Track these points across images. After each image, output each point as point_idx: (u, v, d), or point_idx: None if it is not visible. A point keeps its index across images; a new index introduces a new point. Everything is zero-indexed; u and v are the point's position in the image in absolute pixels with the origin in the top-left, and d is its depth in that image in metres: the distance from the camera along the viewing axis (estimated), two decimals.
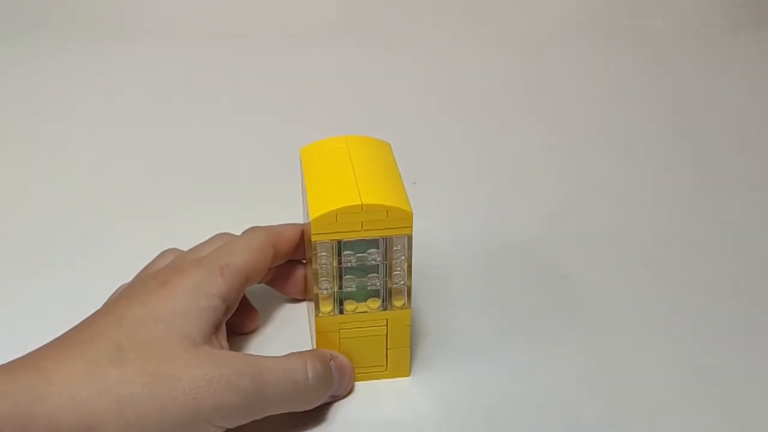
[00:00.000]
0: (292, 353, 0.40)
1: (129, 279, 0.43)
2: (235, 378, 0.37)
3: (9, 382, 0.34)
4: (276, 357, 0.39)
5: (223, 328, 0.40)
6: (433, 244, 0.51)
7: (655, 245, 0.54)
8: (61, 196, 0.59)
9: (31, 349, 0.37)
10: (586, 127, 0.69)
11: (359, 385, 0.42)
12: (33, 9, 0.83)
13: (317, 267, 0.39)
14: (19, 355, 0.36)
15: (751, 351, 0.45)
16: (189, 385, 0.36)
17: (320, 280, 0.40)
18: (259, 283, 0.45)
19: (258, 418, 0.38)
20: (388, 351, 0.42)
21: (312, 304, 0.42)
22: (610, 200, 0.59)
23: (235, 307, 0.42)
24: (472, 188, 0.59)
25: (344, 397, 0.42)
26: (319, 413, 0.41)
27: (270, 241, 0.43)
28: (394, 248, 0.39)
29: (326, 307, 0.40)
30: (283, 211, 0.47)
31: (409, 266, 0.40)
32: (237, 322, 0.45)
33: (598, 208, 0.58)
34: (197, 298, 0.39)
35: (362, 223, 0.38)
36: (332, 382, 0.40)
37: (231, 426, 0.37)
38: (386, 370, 0.42)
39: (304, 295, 0.47)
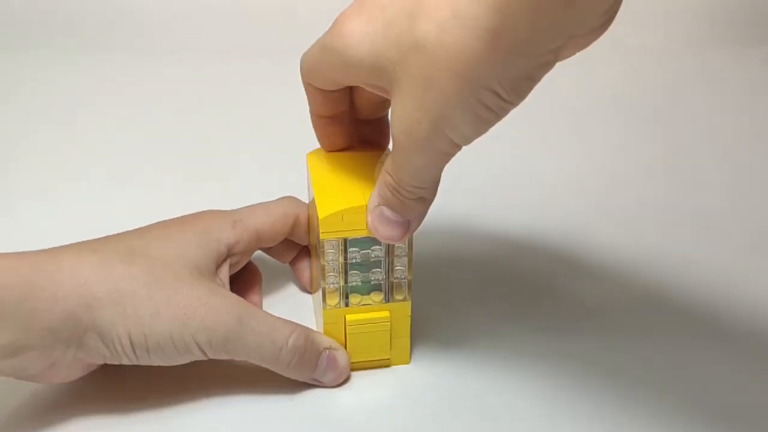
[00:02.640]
0: (291, 321, 0.43)
1: None
2: (225, 311, 0.40)
3: (21, 259, 0.38)
4: (271, 314, 0.42)
5: (226, 276, 0.44)
6: (432, 241, 0.54)
7: (642, 245, 0.56)
8: (81, 195, 0.62)
9: None
10: (574, 133, 0.72)
11: (363, 371, 0.44)
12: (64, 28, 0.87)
13: (325, 263, 0.42)
14: None
15: (732, 351, 0.47)
16: (184, 300, 0.39)
17: (327, 275, 0.42)
18: (284, 262, 0.50)
19: (236, 358, 0.41)
20: (392, 339, 0.44)
21: (317, 297, 0.45)
22: (596, 203, 0.61)
23: (243, 262, 0.46)
24: (468, 189, 0.61)
25: (333, 387, 0.43)
26: (320, 395, 0.43)
27: (295, 211, 0.47)
28: (396, 245, 0.42)
29: (333, 300, 0.43)
30: None
31: (410, 261, 0.43)
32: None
33: (587, 209, 0.60)
34: (207, 240, 0.43)
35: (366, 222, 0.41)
36: (312, 365, 0.42)
37: (212, 355, 0.40)
38: (388, 358, 0.45)
39: (310, 288, 0.50)
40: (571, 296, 0.51)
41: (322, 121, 0.44)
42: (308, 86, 0.42)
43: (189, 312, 0.39)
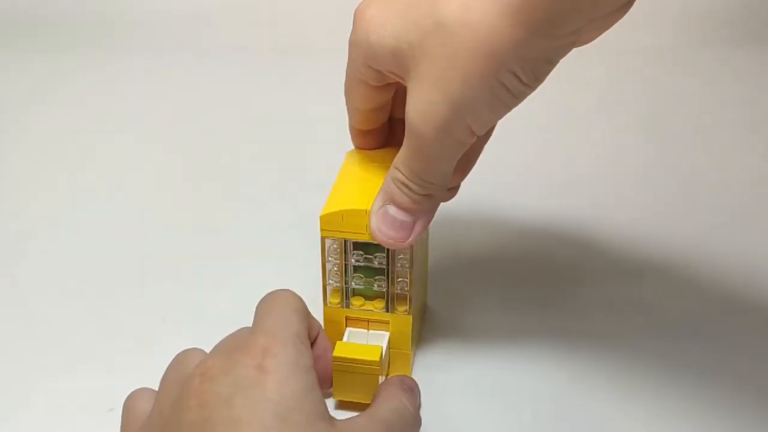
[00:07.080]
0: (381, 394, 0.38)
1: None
2: None
3: None
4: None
5: None
6: (435, 241, 0.52)
7: (643, 243, 0.55)
8: (80, 195, 0.61)
9: None
10: (574, 132, 0.71)
11: None
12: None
13: (325, 261, 0.41)
14: None
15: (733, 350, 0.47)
16: None
17: (328, 272, 0.42)
18: None
19: None
20: (391, 350, 0.43)
21: None
22: (595, 202, 0.60)
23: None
24: (476, 196, 0.59)
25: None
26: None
27: (302, 304, 0.38)
28: (398, 255, 0.41)
29: (334, 299, 0.42)
30: None
31: (411, 276, 0.41)
32: None
33: (586, 208, 0.59)
34: (305, 376, 0.33)
35: (367, 226, 0.39)
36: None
37: None
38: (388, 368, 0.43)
39: None
40: (575, 296, 0.50)
41: (361, 133, 0.43)
42: (351, 99, 0.41)
43: None
